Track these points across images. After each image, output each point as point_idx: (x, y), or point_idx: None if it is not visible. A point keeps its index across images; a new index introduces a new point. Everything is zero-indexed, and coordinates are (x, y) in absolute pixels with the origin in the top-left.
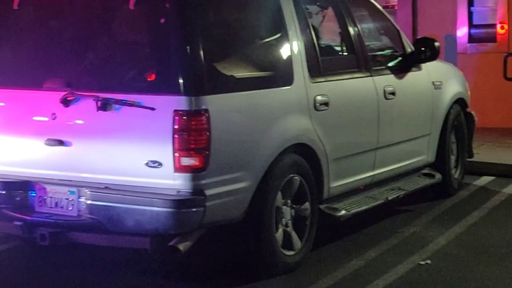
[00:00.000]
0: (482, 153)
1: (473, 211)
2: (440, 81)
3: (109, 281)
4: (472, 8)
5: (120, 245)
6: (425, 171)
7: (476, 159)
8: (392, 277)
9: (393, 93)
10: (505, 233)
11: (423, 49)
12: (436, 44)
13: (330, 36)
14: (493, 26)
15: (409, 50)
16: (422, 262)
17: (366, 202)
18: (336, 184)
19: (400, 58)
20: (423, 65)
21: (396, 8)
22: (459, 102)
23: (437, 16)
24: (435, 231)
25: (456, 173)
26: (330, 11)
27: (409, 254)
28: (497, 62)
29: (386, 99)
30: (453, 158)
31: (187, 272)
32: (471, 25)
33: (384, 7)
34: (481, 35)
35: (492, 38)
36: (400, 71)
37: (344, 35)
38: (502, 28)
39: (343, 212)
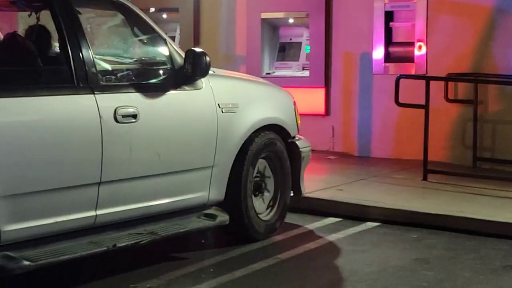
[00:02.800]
0: (350, 189)
1: (256, 263)
2: (233, 103)
3: None
4: (391, 23)
5: None
6: (210, 211)
7: (328, 197)
8: None
9: (133, 116)
10: None
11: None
12: (206, 58)
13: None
14: (411, 44)
15: (179, 65)
16: None
17: (79, 250)
18: (14, 227)
19: (160, 74)
20: (207, 84)
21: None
22: (275, 129)
23: (353, 32)
24: (175, 287)
25: (268, 214)
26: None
27: None
28: (414, 85)
29: (118, 122)
30: (268, 195)
31: None
32: (389, 43)
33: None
34: (399, 54)
35: (410, 58)
36: (155, 89)
37: (61, 44)
38: (420, 48)
39: (24, 263)
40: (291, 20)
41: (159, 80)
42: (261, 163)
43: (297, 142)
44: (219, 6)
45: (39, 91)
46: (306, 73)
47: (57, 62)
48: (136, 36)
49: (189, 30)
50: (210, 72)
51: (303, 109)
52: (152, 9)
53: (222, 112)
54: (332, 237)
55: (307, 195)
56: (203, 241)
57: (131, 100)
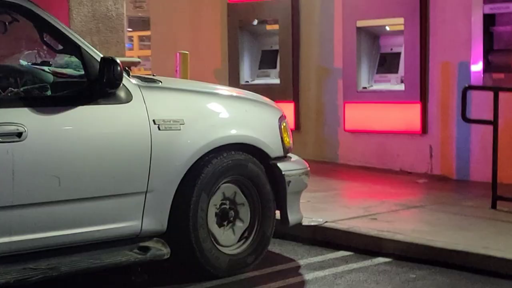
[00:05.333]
0: (386, 219)
1: None
2: (175, 119)
3: None
4: (492, 28)
5: None
6: (146, 243)
7: (345, 228)
8: None
9: (17, 134)
10: None
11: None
12: (115, 67)
13: None
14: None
15: (96, 76)
16: None
17: None
18: None
19: (66, 87)
20: (139, 97)
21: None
22: (249, 149)
23: (450, 39)
24: None
25: (240, 247)
26: None
27: None
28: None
29: None
30: (241, 225)
31: None
32: (490, 50)
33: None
34: (500, 63)
35: (510, 67)
36: (56, 103)
37: None
38: None
39: None
40: (387, 28)
41: (63, 93)
42: (229, 188)
43: (279, 164)
44: (317, 16)
45: None
46: (402, 87)
47: None
48: (43, 42)
49: (289, 42)
50: (150, 84)
51: (398, 126)
52: (255, 22)
53: (159, 129)
54: (313, 275)
55: (324, 225)
56: (133, 278)
57: (14, 117)
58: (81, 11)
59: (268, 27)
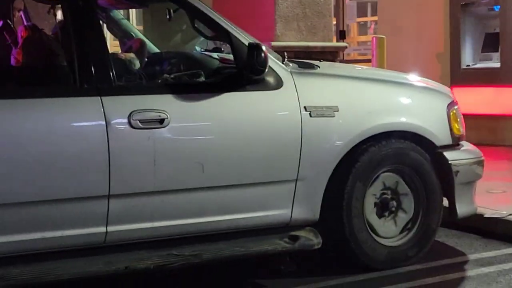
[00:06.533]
0: None
1: None
2: (328, 105)
3: None
4: None
5: None
6: (297, 232)
7: None
8: None
9: (159, 121)
10: None
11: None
12: (260, 54)
13: None
14: None
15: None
16: None
17: (76, 268)
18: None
19: (210, 73)
20: (290, 83)
21: None
22: (413, 137)
23: None
24: None
25: (401, 239)
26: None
27: None
28: None
29: (134, 127)
30: (403, 216)
31: None
32: None
33: None
34: None
35: None
36: (199, 90)
37: (64, 40)
38: None
39: None
40: None
41: (209, 80)
42: (390, 178)
43: (446, 153)
44: None
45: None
46: None
47: (62, 60)
48: (194, 29)
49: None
50: (304, 70)
51: None
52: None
53: (311, 116)
54: (477, 271)
55: (508, 217)
56: (282, 267)
57: (157, 103)
58: None
59: (491, 9)
